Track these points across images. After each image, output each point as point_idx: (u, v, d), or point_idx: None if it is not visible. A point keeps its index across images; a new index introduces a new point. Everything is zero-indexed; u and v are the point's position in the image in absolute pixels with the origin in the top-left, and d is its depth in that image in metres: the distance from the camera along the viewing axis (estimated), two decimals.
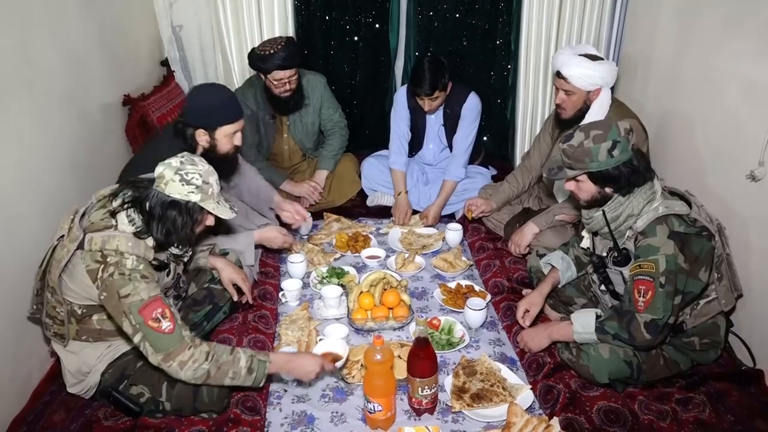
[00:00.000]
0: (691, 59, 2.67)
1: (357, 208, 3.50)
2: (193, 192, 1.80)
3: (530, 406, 2.04)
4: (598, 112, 2.61)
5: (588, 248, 2.23)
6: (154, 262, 1.87)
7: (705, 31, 2.56)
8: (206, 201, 1.84)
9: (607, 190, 1.97)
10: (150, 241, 1.84)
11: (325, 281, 2.73)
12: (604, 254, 2.14)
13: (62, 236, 1.85)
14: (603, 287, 2.18)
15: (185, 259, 2.09)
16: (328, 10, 3.75)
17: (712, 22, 2.51)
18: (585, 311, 2.11)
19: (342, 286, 2.65)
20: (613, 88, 2.66)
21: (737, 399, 2.04)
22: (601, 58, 2.61)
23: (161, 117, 3.24)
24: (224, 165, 2.38)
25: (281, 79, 3.04)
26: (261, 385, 1.91)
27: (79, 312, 1.88)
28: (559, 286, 2.37)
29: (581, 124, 1.99)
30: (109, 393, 1.93)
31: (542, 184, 3.08)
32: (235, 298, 2.40)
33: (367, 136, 4.06)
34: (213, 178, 1.87)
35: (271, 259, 2.93)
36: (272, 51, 2.95)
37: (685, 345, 2.08)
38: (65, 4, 2.54)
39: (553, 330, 2.16)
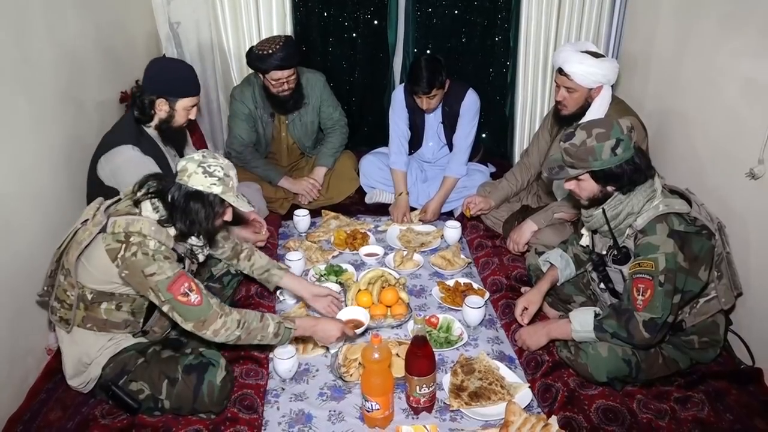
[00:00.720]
0: (690, 57, 2.66)
1: (355, 205, 3.49)
2: (215, 184, 1.85)
3: (528, 404, 2.03)
4: (598, 109, 2.60)
5: (587, 246, 2.23)
6: (173, 252, 1.90)
7: (704, 29, 2.55)
8: (227, 193, 1.89)
9: (609, 188, 1.96)
10: (172, 231, 1.89)
11: (323, 279, 2.72)
12: (604, 252, 2.13)
13: (86, 220, 1.88)
14: (602, 285, 2.17)
15: (200, 258, 2.10)
16: (326, 7, 3.73)
17: (711, 20, 2.50)
18: (584, 309, 2.11)
19: (340, 283, 2.65)
20: (612, 86, 2.65)
21: (736, 398, 2.04)
22: (603, 56, 2.60)
23: None
24: (177, 136, 2.51)
25: (279, 79, 3.02)
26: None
27: (90, 297, 1.89)
28: (558, 284, 2.37)
29: (581, 122, 1.97)
30: (108, 387, 1.93)
31: (541, 182, 3.07)
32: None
33: (366, 133, 4.05)
34: (233, 171, 1.93)
35: (269, 256, 2.91)
36: (270, 51, 2.93)
37: (685, 343, 2.07)
38: (62, 1, 2.52)
39: (551, 328, 2.16)
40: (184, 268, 2.02)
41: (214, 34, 3.57)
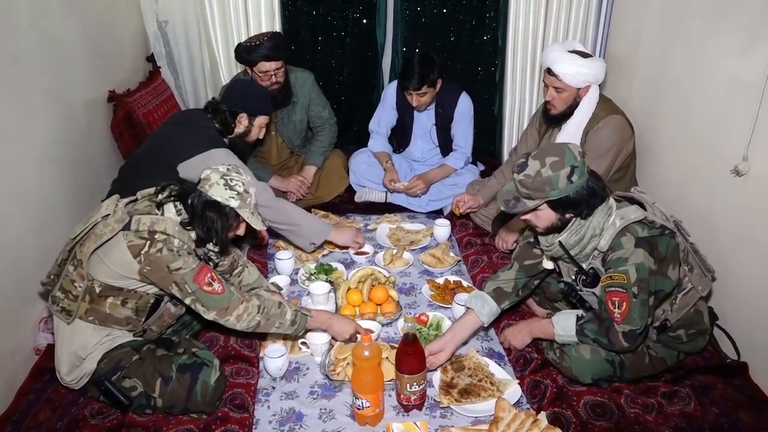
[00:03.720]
0: (676, 56, 2.68)
1: (345, 204, 3.50)
2: (233, 197, 1.91)
3: (518, 400, 2.05)
4: (586, 108, 2.62)
5: (554, 269, 2.17)
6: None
7: (690, 28, 2.58)
8: (243, 209, 1.93)
9: (567, 215, 1.91)
10: (193, 234, 1.94)
11: (313, 278, 2.72)
12: (572, 278, 2.09)
13: (107, 215, 1.89)
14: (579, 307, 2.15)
15: (217, 266, 2.15)
16: (315, 6, 3.73)
17: (697, 19, 2.53)
18: (567, 313, 2.07)
19: (330, 282, 2.65)
20: (600, 85, 2.67)
21: (722, 391, 2.07)
22: (590, 55, 2.62)
23: (147, 113, 3.22)
24: (246, 153, 2.75)
25: (267, 71, 3.02)
26: (300, 334, 2.13)
27: (98, 290, 1.90)
28: (485, 326, 2.24)
29: (531, 151, 1.92)
30: (101, 382, 1.93)
31: None
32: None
33: (355, 131, 4.05)
34: (254, 189, 1.99)
35: (259, 255, 2.92)
36: (258, 42, 2.94)
37: (673, 339, 2.08)
38: None
39: (533, 327, 2.17)
40: None
41: (202, 32, 3.56)
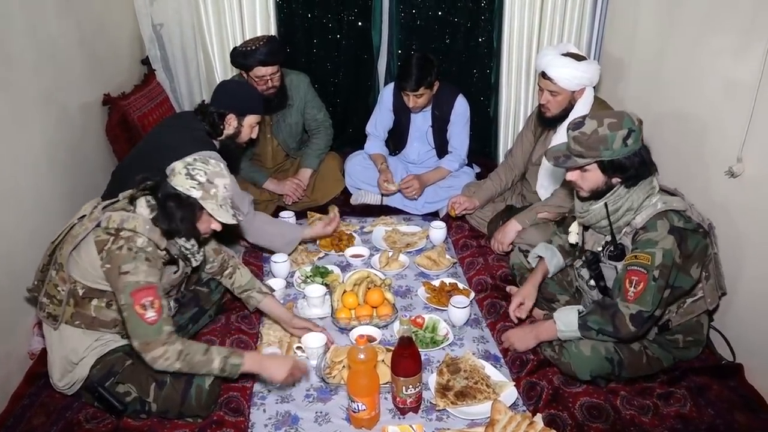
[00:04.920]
0: (671, 57, 2.69)
1: (341, 206, 3.47)
2: (194, 188, 1.85)
3: (514, 403, 2.05)
4: (581, 111, 2.61)
5: (577, 244, 2.23)
6: (163, 253, 1.90)
7: (685, 29, 2.58)
8: (207, 200, 1.87)
9: (614, 180, 1.94)
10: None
11: (308, 280, 2.72)
12: (599, 249, 2.12)
13: (83, 216, 1.88)
14: (592, 282, 2.18)
15: (193, 263, 2.09)
16: (310, 8, 3.73)
17: (691, 20, 2.53)
18: (567, 309, 2.12)
19: (326, 285, 2.64)
20: (594, 87, 2.68)
21: (717, 393, 2.07)
22: (584, 57, 2.62)
23: (142, 116, 3.21)
24: (237, 154, 2.71)
25: (263, 76, 3.02)
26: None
27: (81, 293, 1.89)
28: (549, 275, 2.37)
29: (589, 113, 1.96)
30: (94, 388, 1.91)
31: (525, 182, 3.09)
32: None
33: (351, 134, 4.05)
34: (221, 181, 1.90)
35: (254, 258, 2.91)
36: (254, 47, 2.94)
37: (670, 342, 2.10)
38: (43, 1, 2.50)
39: (539, 331, 2.16)
40: (177, 269, 2.03)
41: (197, 35, 3.55)
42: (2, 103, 2.15)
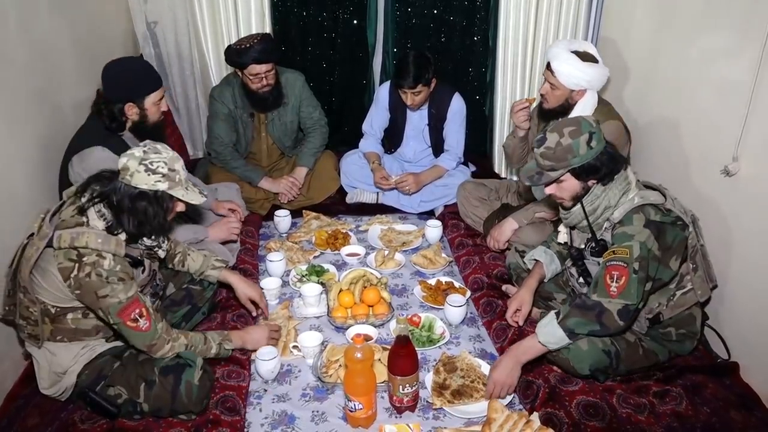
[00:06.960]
0: (665, 56, 2.69)
1: (336, 205, 3.49)
2: (160, 181, 1.79)
3: (510, 401, 2.05)
4: (581, 113, 2.59)
5: (566, 242, 2.25)
6: (126, 259, 1.85)
7: (679, 29, 2.59)
8: (175, 188, 1.83)
9: (590, 182, 1.98)
10: (122, 236, 1.83)
11: (304, 279, 2.72)
12: (582, 246, 2.15)
13: (32, 234, 1.82)
14: (581, 280, 2.19)
15: (160, 254, 2.06)
16: (305, 6, 3.72)
17: (686, 20, 2.54)
18: (544, 321, 2.01)
19: (322, 284, 2.64)
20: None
21: (713, 391, 2.08)
22: (596, 60, 2.57)
23: None
24: (156, 134, 2.38)
25: (258, 74, 3.01)
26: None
27: (53, 311, 1.85)
28: (545, 280, 2.38)
29: (548, 125, 1.99)
30: (85, 394, 1.90)
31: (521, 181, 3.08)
32: (254, 314, 2.44)
33: (346, 133, 4.04)
34: (179, 164, 1.86)
35: (250, 257, 2.90)
36: (248, 45, 2.93)
37: (662, 335, 2.11)
38: None
39: (518, 353, 2.03)
40: (144, 270, 1.98)
41: (192, 33, 3.54)
42: None
